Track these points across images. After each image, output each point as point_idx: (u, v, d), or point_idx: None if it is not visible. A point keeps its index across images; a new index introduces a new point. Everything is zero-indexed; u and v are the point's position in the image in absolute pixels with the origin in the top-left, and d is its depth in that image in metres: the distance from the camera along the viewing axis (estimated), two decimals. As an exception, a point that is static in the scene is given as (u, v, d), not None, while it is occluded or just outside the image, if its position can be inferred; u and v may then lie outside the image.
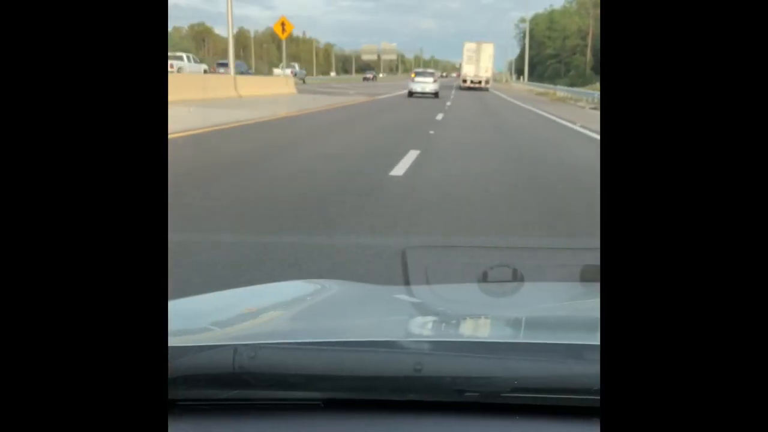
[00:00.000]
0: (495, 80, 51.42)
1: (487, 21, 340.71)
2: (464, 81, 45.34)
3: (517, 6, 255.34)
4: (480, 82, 44.08)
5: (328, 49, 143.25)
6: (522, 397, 0.72)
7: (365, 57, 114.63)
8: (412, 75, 29.84)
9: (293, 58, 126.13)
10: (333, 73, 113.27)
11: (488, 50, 46.45)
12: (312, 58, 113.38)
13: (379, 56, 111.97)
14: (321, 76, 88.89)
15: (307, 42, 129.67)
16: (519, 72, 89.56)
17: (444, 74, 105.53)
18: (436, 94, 27.86)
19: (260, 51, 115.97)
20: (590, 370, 0.67)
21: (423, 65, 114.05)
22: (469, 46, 46.54)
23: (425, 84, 28.58)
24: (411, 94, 27.78)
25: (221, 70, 32.35)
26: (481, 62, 45.52)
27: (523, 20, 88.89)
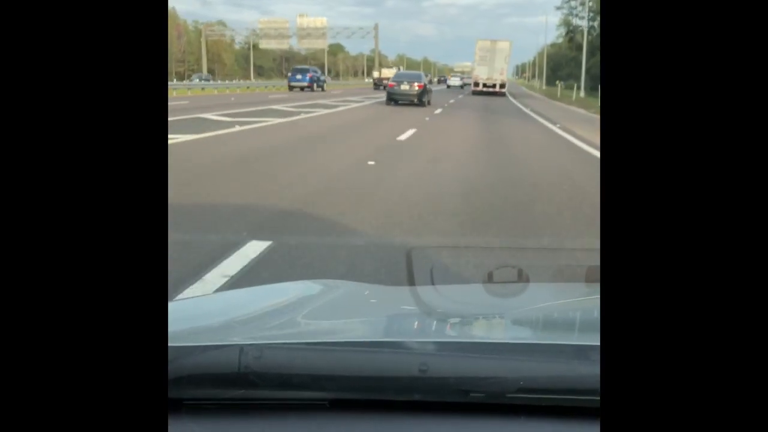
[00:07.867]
0: (547, 96, 43.65)
1: (484, 27, 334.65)
2: (476, 84, 40.36)
3: (514, 12, 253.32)
4: (495, 86, 39.21)
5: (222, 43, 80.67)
6: (528, 397, 0.72)
7: (265, 45, 64.17)
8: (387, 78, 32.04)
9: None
10: (199, 76, 53.24)
11: (504, 50, 40.66)
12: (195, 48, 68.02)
13: (291, 47, 61.97)
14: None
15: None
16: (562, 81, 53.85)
17: (441, 78, 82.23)
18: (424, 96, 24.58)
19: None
20: (596, 370, 0.67)
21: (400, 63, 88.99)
22: (482, 45, 40.83)
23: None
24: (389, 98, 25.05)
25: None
26: (495, 63, 40.11)
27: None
